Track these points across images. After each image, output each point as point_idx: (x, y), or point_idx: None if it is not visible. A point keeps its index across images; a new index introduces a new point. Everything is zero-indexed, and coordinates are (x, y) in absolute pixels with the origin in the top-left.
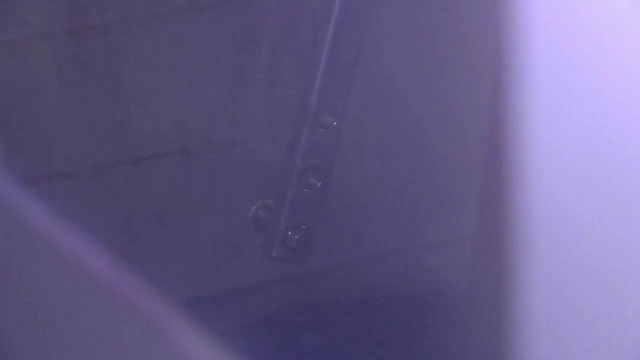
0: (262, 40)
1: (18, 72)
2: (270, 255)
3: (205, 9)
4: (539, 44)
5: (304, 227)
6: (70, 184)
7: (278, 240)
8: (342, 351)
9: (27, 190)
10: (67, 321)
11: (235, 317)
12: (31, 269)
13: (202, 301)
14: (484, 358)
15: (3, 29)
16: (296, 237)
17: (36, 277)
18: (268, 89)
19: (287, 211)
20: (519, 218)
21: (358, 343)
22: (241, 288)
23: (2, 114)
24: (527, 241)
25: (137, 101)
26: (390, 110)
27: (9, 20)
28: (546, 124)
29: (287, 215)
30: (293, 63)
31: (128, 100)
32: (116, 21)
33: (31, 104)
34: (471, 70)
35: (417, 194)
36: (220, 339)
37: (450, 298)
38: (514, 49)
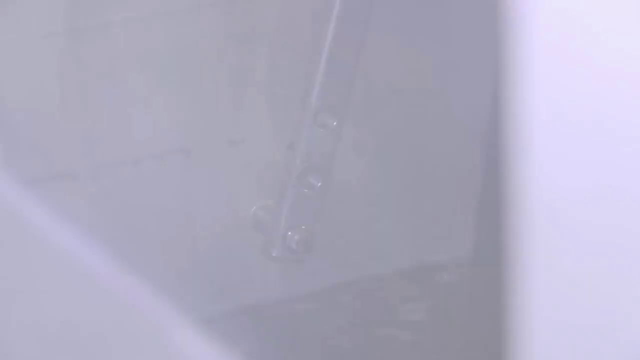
0: (262, 40)
1: (18, 72)
2: (270, 255)
3: (205, 8)
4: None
5: (303, 227)
6: (70, 184)
7: (278, 240)
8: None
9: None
10: (67, 321)
11: (235, 318)
12: (31, 269)
13: (201, 302)
14: None
15: (3, 29)
16: (296, 237)
17: (36, 277)
18: (268, 89)
19: (287, 211)
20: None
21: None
22: (241, 288)
23: (2, 114)
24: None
25: (137, 101)
26: (390, 110)
27: (9, 20)
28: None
29: (287, 215)
30: (293, 63)
31: (128, 100)
32: (116, 21)
33: (31, 104)
34: (471, 70)
35: (417, 196)
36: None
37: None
38: (514, 50)
